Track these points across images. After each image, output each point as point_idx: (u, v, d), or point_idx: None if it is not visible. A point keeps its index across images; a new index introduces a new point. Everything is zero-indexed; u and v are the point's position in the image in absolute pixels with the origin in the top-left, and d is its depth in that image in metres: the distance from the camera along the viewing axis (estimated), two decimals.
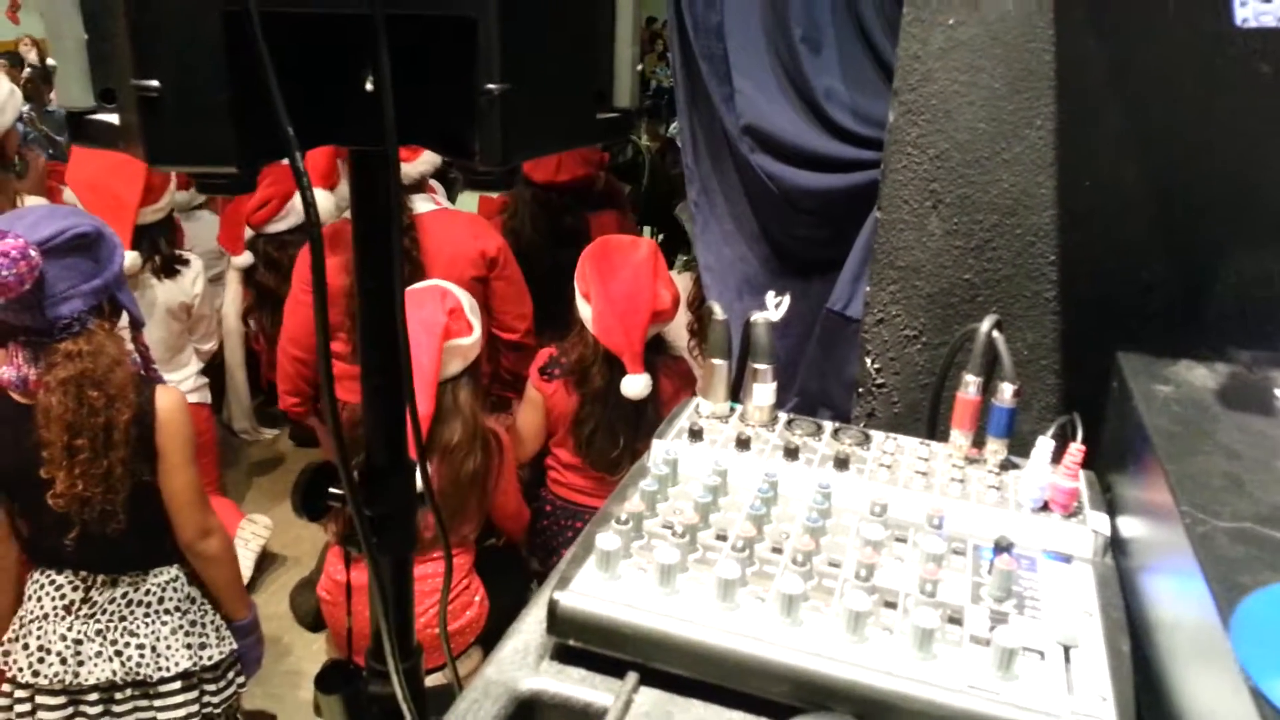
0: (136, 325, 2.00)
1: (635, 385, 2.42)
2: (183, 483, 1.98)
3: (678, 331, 2.88)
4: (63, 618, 1.95)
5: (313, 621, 3.14)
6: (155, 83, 0.66)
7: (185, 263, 3.18)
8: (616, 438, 2.53)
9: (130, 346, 1.97)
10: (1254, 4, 0.81)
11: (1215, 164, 1.06)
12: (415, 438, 1.06)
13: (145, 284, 3.07)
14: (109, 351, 1.84)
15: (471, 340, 2.25)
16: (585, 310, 2.47)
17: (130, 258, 2.91)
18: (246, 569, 3.30)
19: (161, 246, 3.10)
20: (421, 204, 2.86)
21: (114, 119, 0.72)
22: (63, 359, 1.79)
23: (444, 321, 2.18)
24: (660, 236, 4.83)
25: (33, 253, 1.70)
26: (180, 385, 3.25)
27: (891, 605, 0.79)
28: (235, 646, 2.17)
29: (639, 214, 4.51)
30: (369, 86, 0.76)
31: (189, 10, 0.66)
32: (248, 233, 3.73)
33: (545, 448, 2.74)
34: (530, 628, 0.85)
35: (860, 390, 1.32)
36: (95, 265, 1.84)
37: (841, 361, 1.81)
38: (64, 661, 1.93)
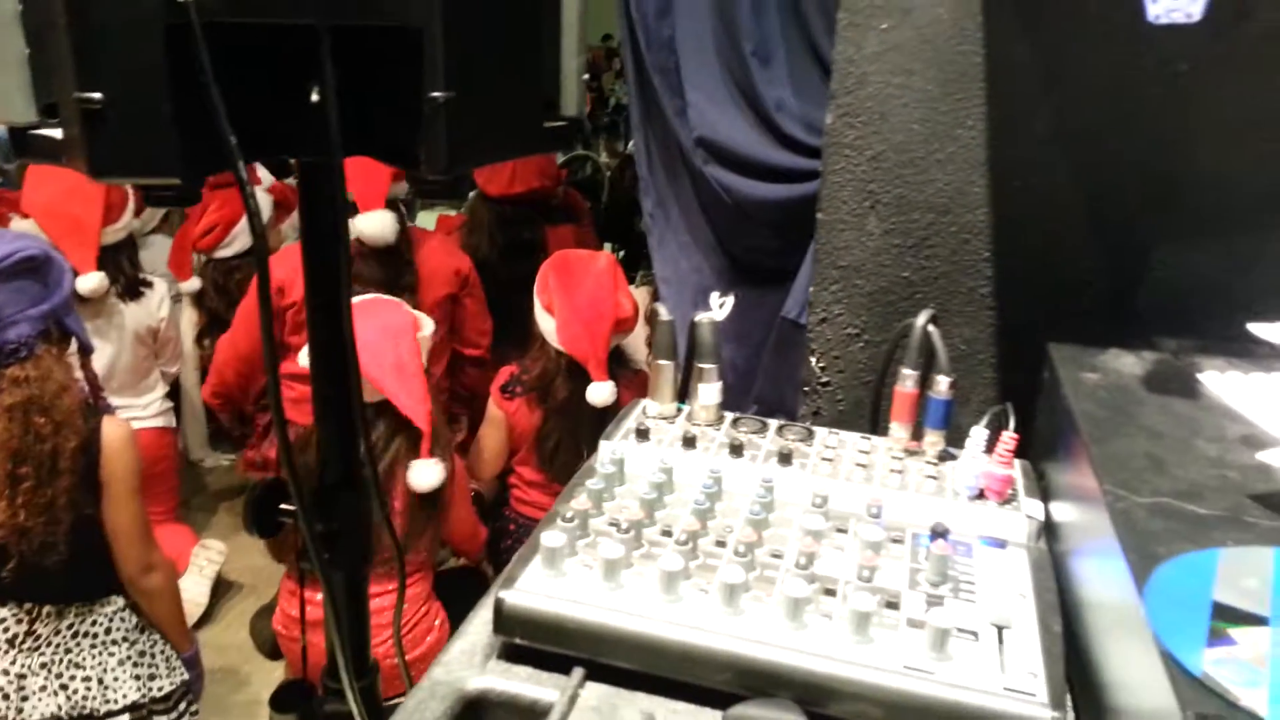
0: (85, 351, 1.96)
1: (601, 392, 2.43)
2: (127, 517, 1.93)
3: (637, 345, 2.89)
4: (5, 652, 1.90)
5: (272, 649, 3.08)
6: (98, 95, 0.66)
7: (149, 284, 3.15)
8: (580, 450, 2.53)
9: (79, 374, 1.94)
10: (1164, 1, 0.84)
11: (1139, 161, 1.10)
12: (368, 454, 1.06)
13: (113, 308, 3.02)
14: (56, 377, 1.80)
15: (428, 332, 2.26)
16: (547, 323, 2.48)
17: (96, 279, 2.86)
18: (203, 595, 3.24)
19: (125, 268, 3.06)
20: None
21: (57, 133, 0.72)
22: (9, 385, 1.76)
23: (410, 318, 2.19)
24: (621, 253, 4.85)
25: None
26: (147, 409, 3.22)
27: (831, 593, 0.80)
28: (187, 676, 2.12)
29: (599, 230, 4.52)
30: (315, 97, 0.77)
31: (131, 22, 0.66)
32: (197, 259, 3.69)
33: (508, 466, 2.73)
34: (477, 628, 0.85)
35: (806, 389, 1.35)
36: (43, 289, 1.80)
37: (796, 368, 1.83)
38: (6, 698, 1.88)
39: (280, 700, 1.17)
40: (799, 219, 1.80)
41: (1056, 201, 1.14)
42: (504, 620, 0.80)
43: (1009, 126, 1.14)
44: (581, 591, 0.80)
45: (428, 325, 2.27)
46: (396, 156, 0.82)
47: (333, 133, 0.76)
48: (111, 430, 1.90)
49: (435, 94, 0.73)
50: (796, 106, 1.88)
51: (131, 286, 3.08)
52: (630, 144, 6.05)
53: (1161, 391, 0.90)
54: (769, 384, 2.04)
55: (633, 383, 2.64)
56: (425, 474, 2.13)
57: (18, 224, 2.96)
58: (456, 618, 2.45)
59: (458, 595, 2.51)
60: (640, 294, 2.98)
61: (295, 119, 0.78)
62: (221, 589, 3.41)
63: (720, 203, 2.01)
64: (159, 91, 0.68)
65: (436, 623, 2.39)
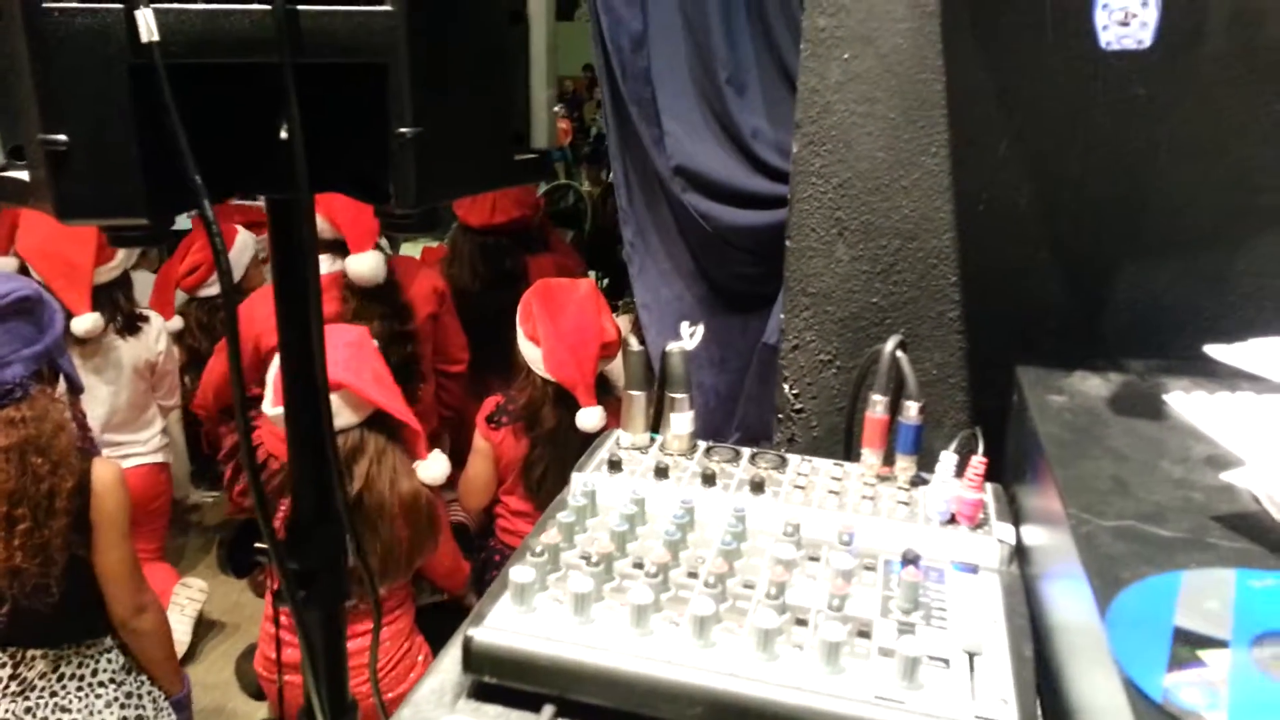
0: (75, 391, 1.96)
1: (591, 418, 2.44)
2: (117, 557, 1.92)
3: (619, 372, 2.90)
4: None
5: (257, 689, 3.05)
6: (63, 137, 0.66)
7: (145, 319, 3.15)
8: (566, 477, 2.53)
9: (68, 414, 1.93)
10: (1114, 28, 0.85)
11: (1100, 185, 1.11)
12: (339, 487, 1.06)
13: (110, 345, 3.03)
14: (52, 417, 1.80)
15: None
16: (532, 351, 2.49)
17: (91, 320, 2.88)
18: (185, 634, 3.20)
19: (121, 304, 3.06)
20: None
21: (25, 175, 0.72)
22: (4, 426, 1.75)
23: (363, 329, 2.21)
24: (605, 280, 4.87)
25: None
26: (147, 444, 3.22)
27: (803, 622, 0.80)
28: (175, 718, 2.10)
29: (585, 257, 4.55)
30: (283, 134, 0.77)
31: (96, 64, 0.66)
32: (180, 297, 3.70)
33: (494, 496, 2.72)
34: (447, 667, 0.84)
35: (780, 416, 1.35)
36: (37, 331, 1.80)
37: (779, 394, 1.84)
38: None
39: None
40: (777, 245, 1.82)
41: (1020, 225, 1.15)
42: (473, 658, 0.79)
43: (971, 152, 1.15)
44: (551, 627, 0.79)
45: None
46: (366, 191, 0.82)
47: (300, 169, 0.76)
48: (101, 471, 1.90)
49: (403, 129, 0.74)
50: (772, 134, 1.90)
51: (129, 322, 3.10)
52: (611, 173, 6.09)
53: (1127, 413, 0.90)
54: (753, 410, 2.04)
55: (617, 410, 2.64)
56: (432, 467, 2.13)
57: (4, 263, 2.96)
58: (439, 650, 2.43)
59: (444, 631, 2.49)
60: (623, 321, 2.99)
61: (263, 156, 0.78)
62: (204, 628, 3.37)
63: (699, 230, 2.03)
64: (125, 133, 0.68)
65: (420, 658, 2.36)
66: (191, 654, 3.24)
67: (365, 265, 2.72)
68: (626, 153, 2.19)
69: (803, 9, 1.55)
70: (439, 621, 2.49)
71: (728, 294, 2.13)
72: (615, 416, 2.59)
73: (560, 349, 2.44)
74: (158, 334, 3.19)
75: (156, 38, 0.67)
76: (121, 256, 3.06)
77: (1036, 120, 1.12)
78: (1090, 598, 0.63)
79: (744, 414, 2.07)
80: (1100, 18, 0.85)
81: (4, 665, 1.89)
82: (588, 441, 2.47)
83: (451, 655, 0.85)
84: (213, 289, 3.65)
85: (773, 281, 1.82)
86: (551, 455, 2.53)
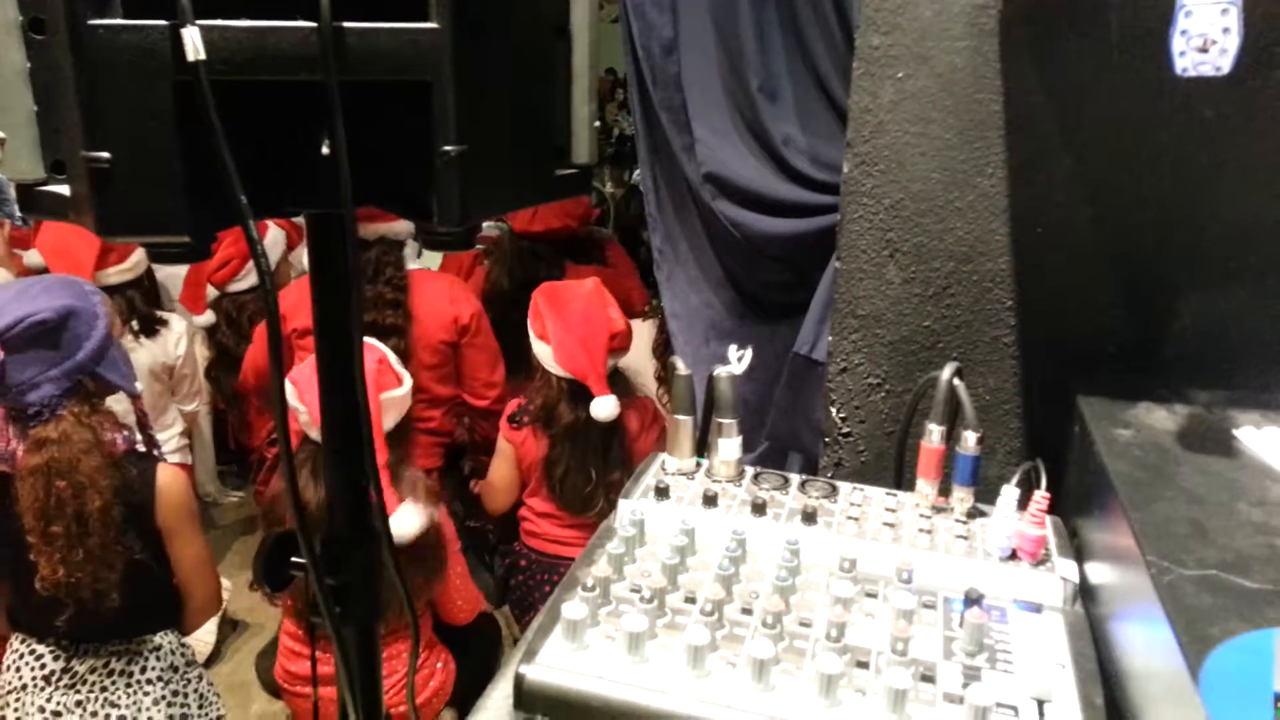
0: (131, 395, 1.95)
1: (605, 406, 2.44)
2: (194, 553, 1.98)
3: (644, 374, 2.88)
4: (41, 689, 1.90)
5: (277, 688, 3.06)
6: (106, 154, 0.65)
7: (164, 323, 3.15)
8: (588, 473, 2.54)
9: (130, 420, 1.93)
10: (1191, 54, 0.82)
11: (1164, 208, 1.08)
12: (380, 506, 1.04)
13: (125, 346, 3.03)
14: (76, 439, 1.79)
15: (403, 392, 2.23)
16: (543, 349, 2.50)
17: None
18: (210, 634, 3.21)
19: (138, 305, 3.06)
20: (410, 260, 2.89)
21: (65, 190, 0.70)
22: (32, 446, 1.76)
23: (374, 369, 2.17)
24: None
25: None
26: (165, 446, 3.21)
27: (864, 665, 0.77)
28: (216, 714, 2.12)
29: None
30: (325, 150, 0.75)
31: (139, 82, 0.65)
32: (211, 292, 3.70)
33: (518, 499, 2.72)
34: (496, 702, 0.83)
35: (827, 440, 1.32)
36: (58, 351, 1.78)
37: (809, 404, 1.81)
38: None
39: None
40: (809, 253, 1.79)
41: (1080, 248, 1.12)
42: (525, 697, 0.77)
43: (1029, 173, 1.13)
44: (605, 666, 0.77)
45: (402, 384, 2.24)
46: (408, 207, 0.80)
47: (344, 187, 0.74)
48: (162, 476, 1.91)
49: (447, 148, 0.72)
50: (804, 142, 1.87)
51: (146, 324, 3.08)
52: (635, 174, 6.08)
53: (1198, 450, 0.87)
54: (782, 420, 2.01)
55: (636, 406, 2.63)
56: (400, 520, 2.00)
57: (29, 257, 2.98)
58: (464, 661, 2.42)
59: (465, 636, 2.49)
60: (647, 326, 2.98)
61: (304, 172, 0.77)
62: (226, 627, 3.38)
63: (729, 238, 2.00)
64: (167, 150, 0.67)
65: (439, 665, 2.35)
66: (215, 654, 3.24)
67: None
68: (655, 159, 2.17)
69: (838, 16, 1.53)
70: (461, 629, 2.48)
71: (757, 302, 2.11)
72: (634, 413, 2.60)
73: (569, 341, 2.44)
74: (178, 338, 3.19)
75: (203, 56, 0.66)
76: (136, 258, 3.06)
77: (1099, 141, 1.09)
78: (1177, 652, 0.61)
79: (773, 424, 2.04)
80: (1178, 44, 0.82)
81: (57, 658, 1.92)
82: (606, 437, 2.49)
83: (501, 690, 0.83)
84: (242, 284, 3.66)
85: (802, 290, 1.80)
86: (571, 451, 2.53)
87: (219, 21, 0.66)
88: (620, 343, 2.54)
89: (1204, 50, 0.81)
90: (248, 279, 3.64)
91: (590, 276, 3.34)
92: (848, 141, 1.22)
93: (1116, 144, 1.09)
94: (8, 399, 1.76)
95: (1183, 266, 1.09)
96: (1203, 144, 1.06)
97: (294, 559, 1.06)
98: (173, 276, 3.70)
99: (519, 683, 0.77)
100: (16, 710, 1.89)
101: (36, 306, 1.75)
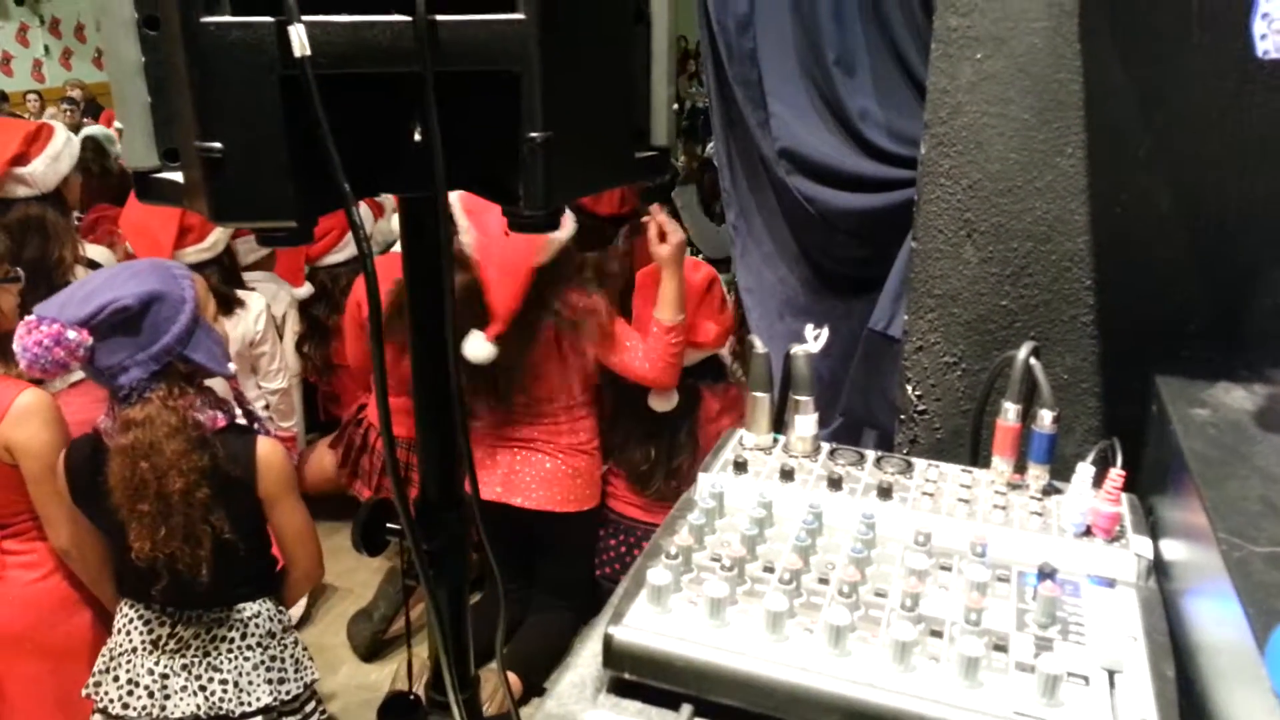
0: (226, 376, 2.01)
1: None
2: (296, 523, 2.07)
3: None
4: (150, 652, 2.01)
5: (367, 652, 3.19)
6: (218, 144, 0.70)
7: (242, 303, 3.23)
8: (647, 451, 2.69)
9: (228, 398, 2.01)
10: (1273, 37, 0.82)
11: (1246, 187, 1.08)
12: (471, 476, 1.10)
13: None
14: (160, 422, 1.84)
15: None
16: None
17: None
18: (301, 600, 3.35)
19: (217, 285, 3.14)
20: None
21: (178, 177, 0.76)
22: (122, 426, 1.84)
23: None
24: (700, 254, 4.87)
25: (71, 335, 1.74)
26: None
27: (938, 634, 0.81)
28: (311, 678, 2.20)
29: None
30: (417, 137, 0.80)
31: (249, 75, 0.69)
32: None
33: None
34: (586, 661, 0.88)
35: (902, 417, 1.34)
36: (141, 336, 1.83)
37: (885, 381, 1.82)
38: (151, 695, 1.99)
39: (388, 712, 1.22)
40: (884, 229, 1.79)
41: (1160, 228, 1.12)
42: (613, 655, 0.82)
43: (1109, 153, 1.12)
44: (688, 629, 0.82)
45: None
46: (494, 191, 0.84)
47: (438, 173, 0.79)
48: (263, 450, 1.98)
49: (533, 134, 0.75)
50: (881, 115, 1.86)
51: (225, 304, 3.16)
52: (707, 147, 6.06)
53: (1275, 430, 0.88)
54: (857, 396, 2.03)
55: (717, 391, 2.71)
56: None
57: (91, 250, 3.07)
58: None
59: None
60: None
61: (399, 156, 0.81)
62: (316, 591, 3.52)
63: (804, 213, 2.01)
64: (275, 139, 0.71)
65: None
66: (306, 617, 3.39)
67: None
68: (730, 134, 2.17)
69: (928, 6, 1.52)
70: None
71: (832, 278, 2.11)
72: (716, 398, 2.67)
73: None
74: (256, 316, 3.24)
75: (309, 52, 0.70)
76: (214, 238, 3.12)
77: (1181, 120, 1.09)
78: (1246, 627, 0.63)
79: (848, 400, 2.05)
80: (1259, 27, 0.82)
81: (164, 624, 2.02)
82: (673, 419, 2.64)
83: (590, 649, 0.89)
84: (339, 255, 3.76)
85: (879, 265, 1.80)
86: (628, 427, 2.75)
87: (321, 17, 0.70)
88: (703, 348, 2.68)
89: None
90: (345, 250, 3.73)
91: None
92: (925, 123, 1.23)
93: (1198, 125, 1.08)
94: (102, 380, 1.85)
95: (1265, 247, 1.08)
96: None
97: (389, 525, 1.13)
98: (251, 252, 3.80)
99: (608, 642, 0.82)
100: (129, 672, 2.00)
101: (121, 292, 1.81)
